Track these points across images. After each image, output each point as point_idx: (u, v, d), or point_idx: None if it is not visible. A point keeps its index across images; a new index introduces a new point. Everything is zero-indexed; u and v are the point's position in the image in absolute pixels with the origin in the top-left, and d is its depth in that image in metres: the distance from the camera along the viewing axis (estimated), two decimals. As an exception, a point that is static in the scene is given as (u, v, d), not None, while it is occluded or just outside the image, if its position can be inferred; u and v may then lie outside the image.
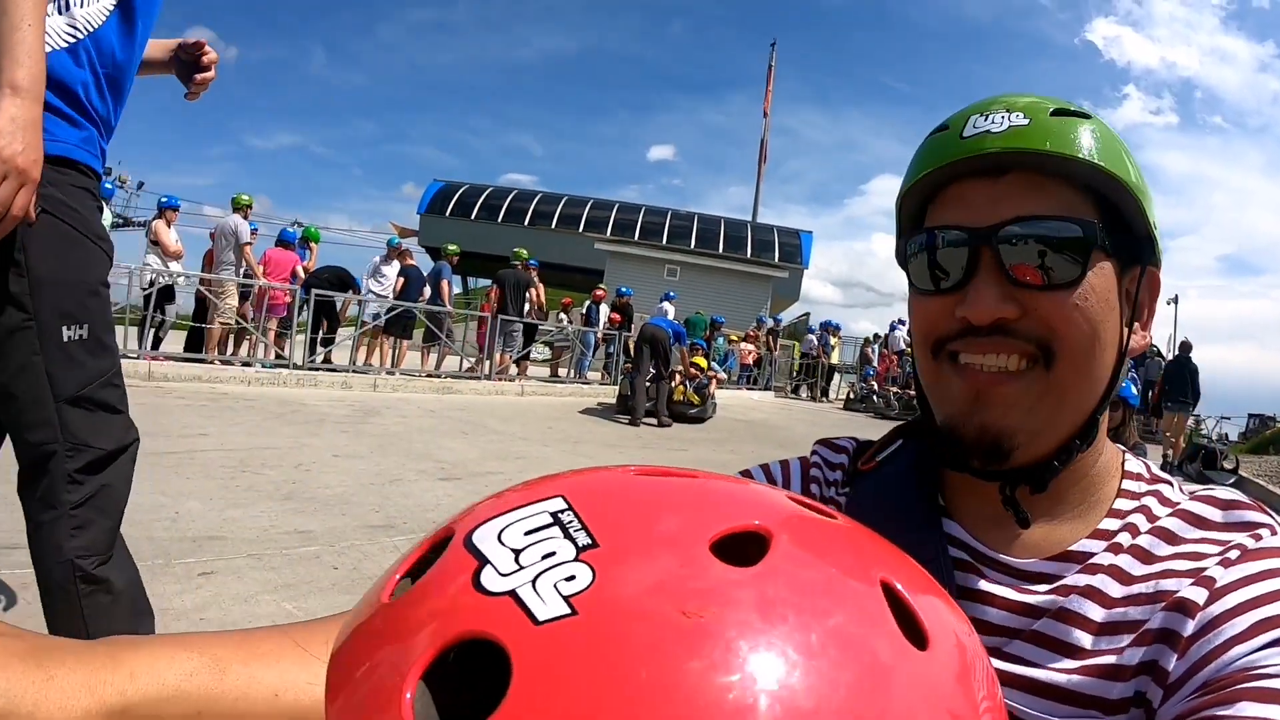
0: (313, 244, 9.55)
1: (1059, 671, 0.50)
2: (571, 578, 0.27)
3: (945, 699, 0.28)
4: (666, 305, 9.85)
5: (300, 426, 5.87)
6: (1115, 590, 0.52)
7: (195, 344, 8.54)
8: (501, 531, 0.30)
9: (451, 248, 10.99)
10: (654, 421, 8.81)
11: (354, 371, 9.22)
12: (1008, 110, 0.54)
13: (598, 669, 0.24)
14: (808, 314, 22.10)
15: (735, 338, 16.84)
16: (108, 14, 1.37)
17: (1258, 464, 11.27)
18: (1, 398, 1.33)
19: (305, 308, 8.81)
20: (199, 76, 1.61)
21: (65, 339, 1.34)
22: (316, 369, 8.72)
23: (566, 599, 0.26)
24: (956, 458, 0.57)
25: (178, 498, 3.60)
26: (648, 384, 8.85)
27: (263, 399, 6.98)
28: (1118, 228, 0.55)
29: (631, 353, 11.53)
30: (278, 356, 8.90)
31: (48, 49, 1.25)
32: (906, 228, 0.61)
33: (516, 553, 0.28)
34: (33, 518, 1.36)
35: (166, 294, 8.50)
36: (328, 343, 9.15)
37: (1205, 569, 0.50)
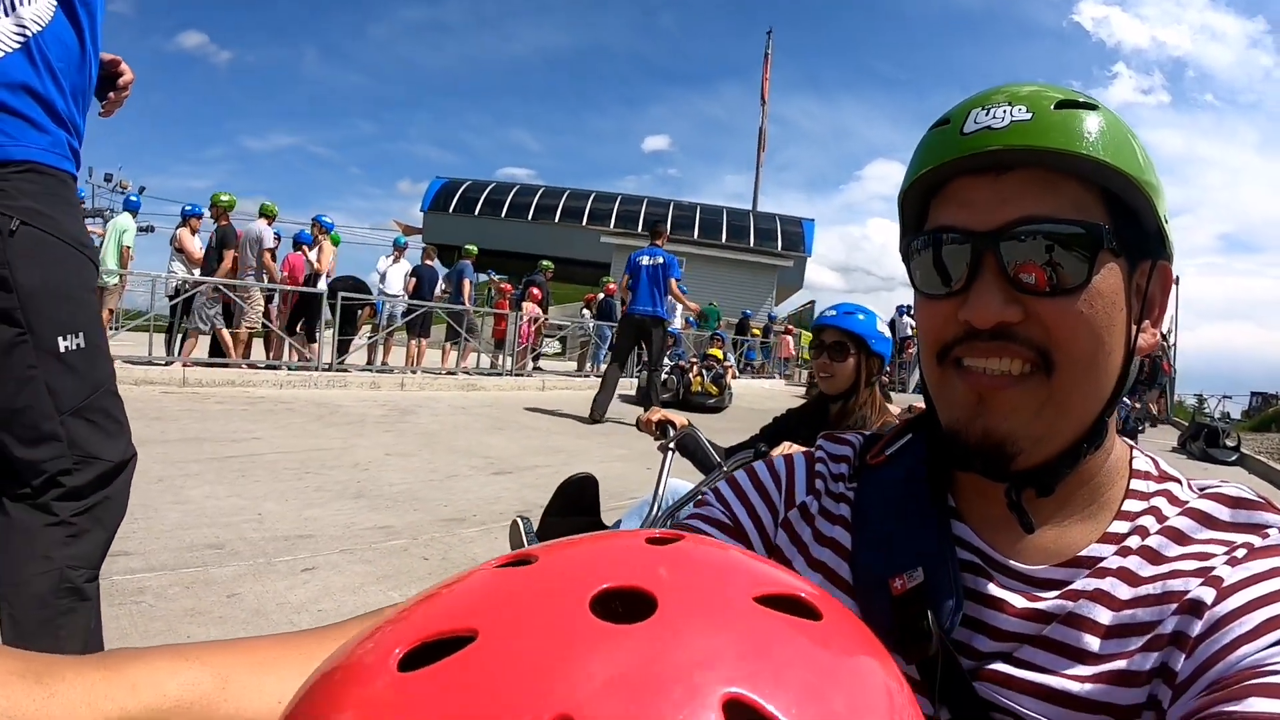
0: (329, 245, 9.64)
1: (1071, 678, 0.50)
2: None
3: None
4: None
5: (344, 428, 6.00)
6: (1124, 592, 0.51)
7: (217, 348, 8.66)
8: None
9: (470, 248, 11.13)
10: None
11: (380, 371, 9.35)
12: (1010, 103, 0.52)
13: None
14: (813, 302, 22.25)
15: (757, 330, 17.09)
16: (53, 9, 1.29)
17: (1260, 441, 11.32)
18: (2, 417, 1.26)
19: (331, 310, 8.94)
20: (113, 95, 1.57)
21: (62, 350, 1.28)
22: (345, 370, 8.85)
23: None
24: (961, 460, 0.57)
25: (255, 500, 3.73)
26: (637, 373, 8.32)
27: (298, 401, 7.11)
28: (1127, 222, 0.53)
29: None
30: (302, 359, 9.03)
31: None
32: (910, 224, 0.60)
33: None
34: (19, 524, 1.28)
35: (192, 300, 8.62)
36: (345, 345, 9.27)
37: (1213, 568, 0.50)
